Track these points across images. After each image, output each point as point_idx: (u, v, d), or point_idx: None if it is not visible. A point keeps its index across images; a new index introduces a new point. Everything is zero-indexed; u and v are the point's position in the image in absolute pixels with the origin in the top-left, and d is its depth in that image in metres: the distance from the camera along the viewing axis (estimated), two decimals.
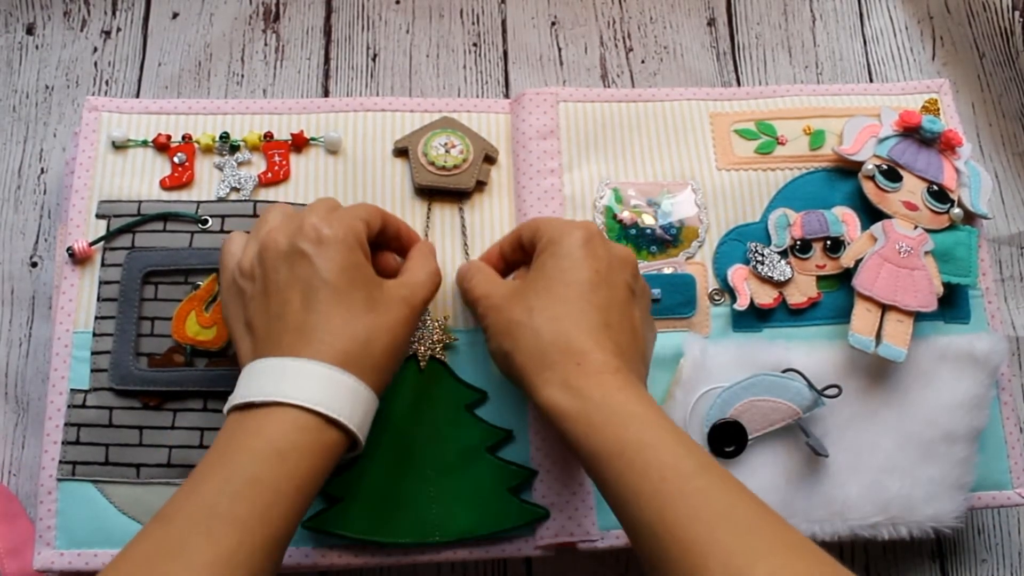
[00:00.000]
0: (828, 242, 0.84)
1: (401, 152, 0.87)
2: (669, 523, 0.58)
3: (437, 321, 0.82)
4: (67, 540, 0.77)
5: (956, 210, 0.85)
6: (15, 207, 0.95)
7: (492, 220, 0.86)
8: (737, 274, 0.84)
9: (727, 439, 0.79)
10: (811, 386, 0.79)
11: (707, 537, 0.56)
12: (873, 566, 0.90)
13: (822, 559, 0.57)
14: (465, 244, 0.85)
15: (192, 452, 0.78)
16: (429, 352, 0.81)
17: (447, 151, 0.85)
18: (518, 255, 0.79)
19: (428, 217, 0.86)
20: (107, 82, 1.00)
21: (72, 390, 0.79)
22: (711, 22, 1.08)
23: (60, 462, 0.77)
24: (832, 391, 0.79)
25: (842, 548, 0.91)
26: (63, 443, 0.78)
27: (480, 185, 0.87)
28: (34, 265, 0.93)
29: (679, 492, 0.59)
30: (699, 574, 0.55)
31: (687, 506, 0.58)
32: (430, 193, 0.86)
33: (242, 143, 0.86)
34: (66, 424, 0.78)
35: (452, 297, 0.84)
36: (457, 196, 0.86)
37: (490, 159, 0.87)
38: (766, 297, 0.83)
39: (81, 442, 0.78)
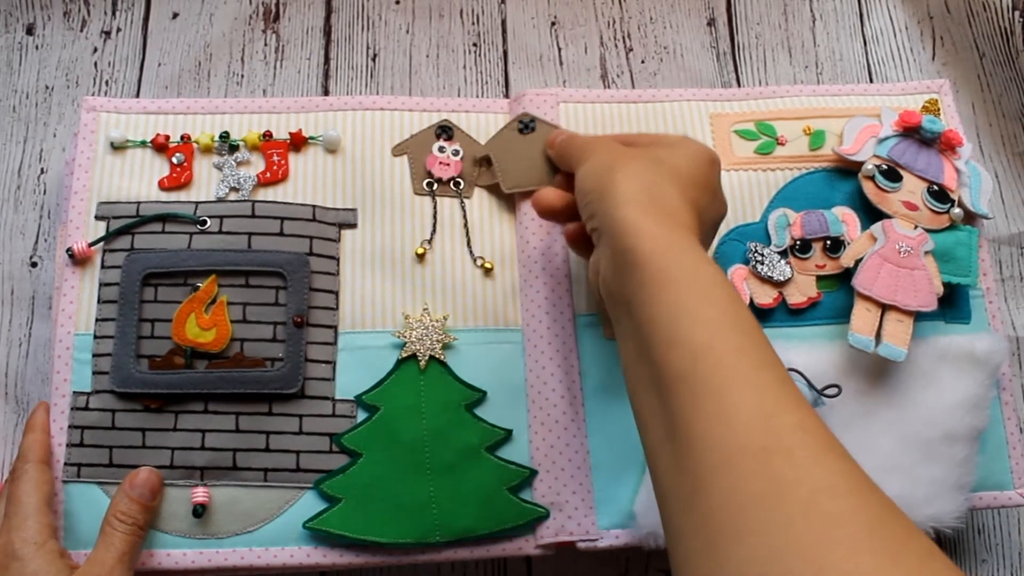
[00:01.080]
0: (828, 242, 0.84)
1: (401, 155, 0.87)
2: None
3: (436, 321, 0.82)
4: (73, 540, 0.77)
5: (956, 210, 0.85)
6: (15, 207, 0.95)
7: (493, 220, 0.87)
8: (737, 274, 0.84)
9: None
10: (811, 386, 0.79)
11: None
12: None
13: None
14: (468, 240, 0.85)
15: (193, 454, 0.78)
16: (429, 352, 0.81)
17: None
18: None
19: (435, 215, 0.86)
20: (107, 82, 1.01)
21: (75, 392, 0.79)
22: (711, 22, 1.08)
23: (65, 464, 0.78)
24: (832, 391, 0.79)
25: None
26: (67, 445, 0.78)
27: (480, 187, 0.87)
28: (34, 265, 0.93)
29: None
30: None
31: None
32: (432, 195, 0.86)
33: (241, 143, 0.86)
34: (70, 426, 0.78)
35: (452, 296, 0.84)
36: (458, 197, 0.87)
37: (489, 161, 0.87)
38: (766, 297, 0.83)
39: (85, 444, 0.78)
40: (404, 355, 0.81)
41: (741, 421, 0.52)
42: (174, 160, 0.85)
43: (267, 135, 0.86)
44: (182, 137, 0.86)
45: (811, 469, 0.49)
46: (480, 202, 0.87)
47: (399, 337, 0.81)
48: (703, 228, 0.68)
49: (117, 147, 0.85)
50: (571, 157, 0.77)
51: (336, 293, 0.83)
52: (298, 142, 0.86)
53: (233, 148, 0.86)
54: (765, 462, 0.50)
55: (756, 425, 0.51)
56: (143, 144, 0.86)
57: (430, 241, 0.85)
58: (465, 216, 0.86)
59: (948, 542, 0.92)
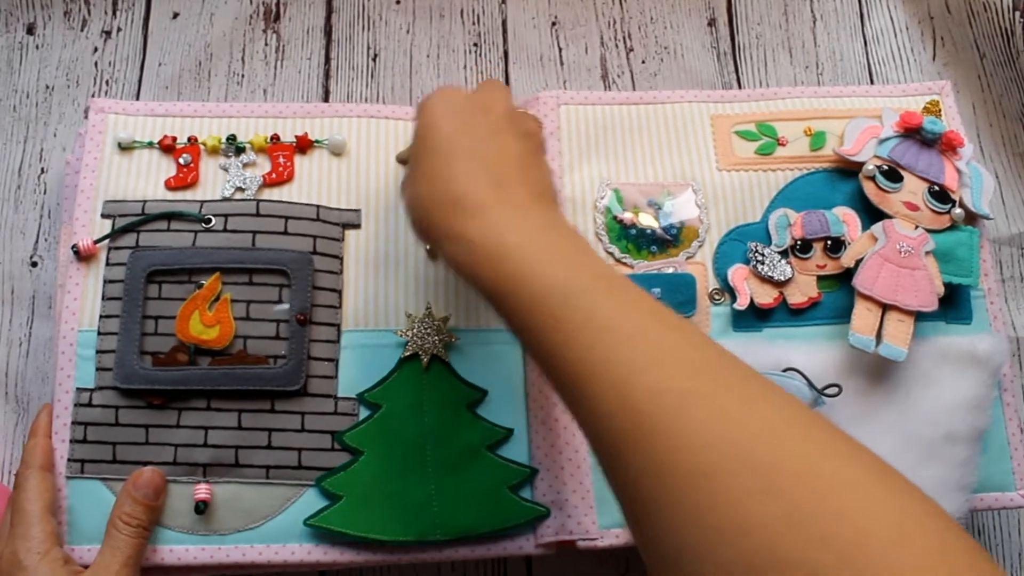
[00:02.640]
0: (829, 242, 0.84)
1: (405, 162, 0.87)
2: (556, 353, 0.56)
3: (438, 320, 0.82)
4: (78, 536, 0.77)
5: (957, 210, 0.85)
6: (15, 207, 0.95)
7: None
8: (737, 274, 0.84)
9: None
10: (811, 385, 0.79)
11: (586, 356, 0.55)
12: None
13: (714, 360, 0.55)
14: None
15: (196, 451, 0.78)
16: (431, 351, 0.81)
17: None
18: None
19: None
20: (107, 82, 1.01)
21: (78, 389, 0.79)
22: (711, 22, 1.08)
23: (69, 460, 0.78)
24: (832, 390, 0.79)
25: None
26: (71, 441, 0.78)
27: None
28: (34, 265, 0.93)
29: (558, 320, 0.57)
30: (586, 398, 0.54)
31: (569, 331, 0.56)
32: None
33: (248, 145, 0.86)
34: (73, 423, 0.78)
35: (453, 295, 0.84)
36: None
37: None
38: (766, 297, 0.83)
39: (89, 440, 0.78)
40: (406, 354, 0.81)
41: None
42: (181, 161, 0.85)
43: (275, 138, 0.87)
44: (189, 139, 0.86)
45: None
46: None
47: (401, 336, 0.82)
48: (502, 175, 0.67)
49: (124, 148, 0.86)
50: None
51: (339, 292, 0.83)
52: (304, 145, 0.87)
53: (240, 150, 0.86)
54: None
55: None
56: (150, 145, 0.86)
57: None
58: None
59: None
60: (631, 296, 0.58)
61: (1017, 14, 0.99)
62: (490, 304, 0.62)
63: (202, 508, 0.77)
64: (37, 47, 1.01)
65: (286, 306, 0.81)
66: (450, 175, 0.66)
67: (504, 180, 0.66)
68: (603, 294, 0.58)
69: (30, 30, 1.02)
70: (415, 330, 0.82)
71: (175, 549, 0.77)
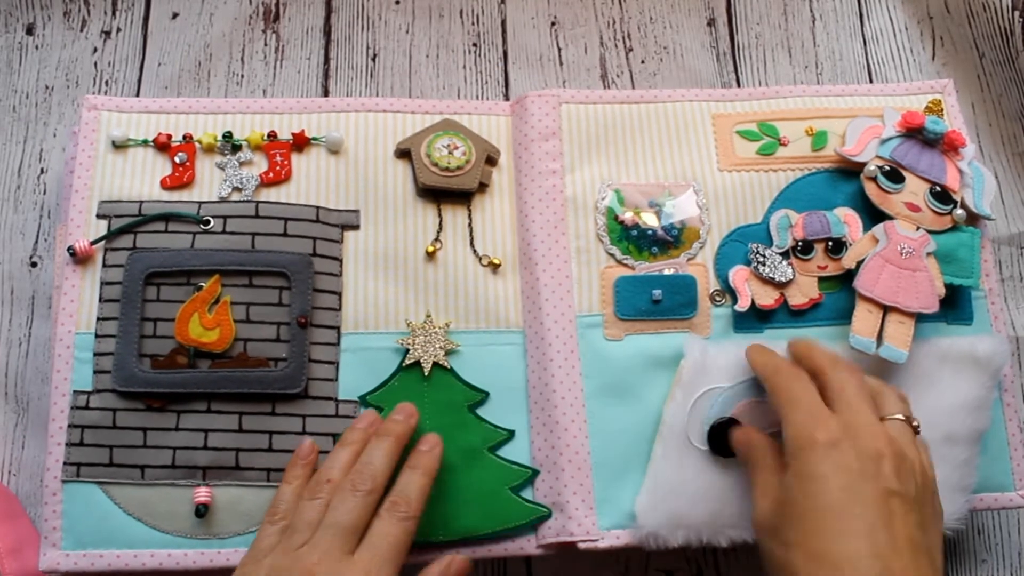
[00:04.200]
0: (830, 243, 0.84)
1: (403, 154, 0.87)
2: None
3: (439, 327, 0.82)
4: (73, 541, 0.77)
5: (959, 211, 0.85)
6: (15, 207, 0.95)
7: (495, 221, 0.87)
8: (738, 275, 0.84)
9: (727, 438, 0.79)
10: None
11: None
12: None
13: None
14: (473, 245, 0.86)
15: (196, 454, 0.78)
16: (432, 359, 0.81)
17: (450, 152, 0.86)
18: None
19: (440, 217, 0.86)
20: (107, 82, 1.00)
21: (75, 391, 0.79)
22: (711, 22, 1.08)
23: (64, 463, 0.78)
24: None
25: None
26: (67, 445, 0.78)
27: (483, 187, 0.87)
28: (34, 265, 0.93)
29: None
30: None
31: None
32: (435, 195, 0.86)
33: (244, 143, 0.86)
34: (70, 426, 0.78)
35: (454, 298, 0.84)
36: (460, 197, 0.87)
37: (492, 160, 0.88)
38: (767, 298, 0.83)
39: (85, 444, 0.78)
40: (408, 362, 0.81)
41: None
42: (176, 159, 0.85)
43: (271, 135, 0.86)
44: (184, 136, 0.86)
45: None
46: (482, 204, 0.87)
47: (402, 344, 0.82)
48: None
49: (119, 146, 0.85)
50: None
51: (339, 294, 0.83)
52: (301, 143, 0.86)
53: (236, 148, 0.86)
54: None
55: None
56: (145, 143, 0.86)
57: (437, 238, 0.85)
58: (470, 217, 0.86)
59: (948, 542, 0.92)
60: None
61: (1016, 14, 0.99)
62: None
63: (202, 511, 0.76)
64: (37, 47, 1.01)
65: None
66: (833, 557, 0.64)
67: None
68: None
69: (30, 30, 1.02)
70: (416, 339, 0.82)
71: (173, 553, 0.77)
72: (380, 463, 0.72)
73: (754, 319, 0.84)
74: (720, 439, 0.79)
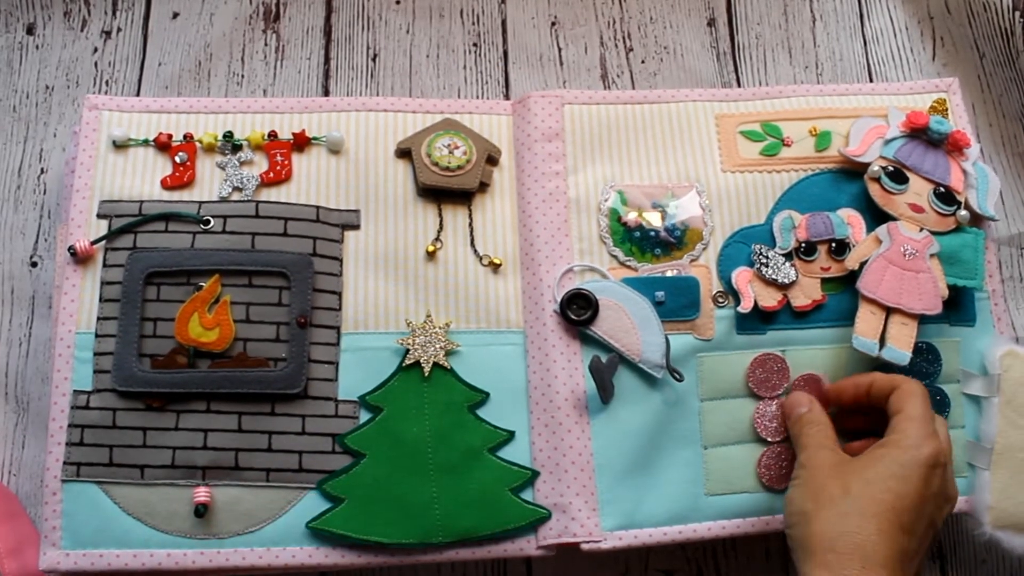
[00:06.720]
0: (833, 244, 0.84)
1: (404, 153, 0.87)
2: None
3: (439, 327, 0.82)
4: (72, 541, 0.77)
5: (963, 212, 0.85)
6: (15, 207, 0.95)
7: (495, 221, 0.87)
8: (741, 276, 0.84)
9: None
10: (671, 368, 0.82)
11: None
12: None
13: None
14: (473, 244, 0.85)
15: (195, 453, 0.78)
16: (432, 359, 0.81)
17: (451, 152, 0.86)
18: (859, 401, 0.80)
19: (440, 216, 0.86)
20: (107, 82, 1.00)
21: (75, 391, 0.79)
22: (711, 22, 1.08)
23: (64, 463, 0.78)
24: (677, 376, 0.82)
25: None
26: (67, 444, 0.78)
27: (483, 186, 0.87)
28: (34, 265, 0.93)
29: None
30: None
31: None
32: (436, 195, 0.86)
33: (245, 142, 0.86)
34: (70, 425, 0.78)
35: (454, 298, 0.84)
36: (461, 197, 0.86)
37: (492, 160, 0.88)
38: (770, 299, 0.83)
39: (85, 443, 0.78)
40: (408, 363, 0.81)
41: None
42: (177, 159, 0.85)
43: (272, 135, 0.86)
44: (185, 136, 0.86)
45: None
46: (483, 204, 0.87)
47: (402, 344, 0.81)
48: (909, 552, 0.69)
49: (119, 146, 0.85)
50: (795, 439, 0.79)
51: (339, 294, 0.83)
52: (302, 142, 0.86)
53: (236, 148, 0.86)
54: None
55: None
56: (145, 143, 0.86)
57: (438, 238, 0.85)
58: (471, 216, 0.86)
59: (948, 542, 0.92)
60: None
61: (1017, 14, 0.99)
62: None
63: (202, 511, 0.76)
64: (37, 47, 1.01)
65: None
66: (881, 531, 0.68)
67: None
68: None
69: (30, 30, 1.01)
70: (416, 339, 0.82)
71: (173, 553, 0.77)
72: None
73: (757, 321, 0.84)
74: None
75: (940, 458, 0.72)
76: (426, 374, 0.81)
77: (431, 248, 0.84)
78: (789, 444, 0.81)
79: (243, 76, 1.01)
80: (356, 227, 0.85)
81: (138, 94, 1.00)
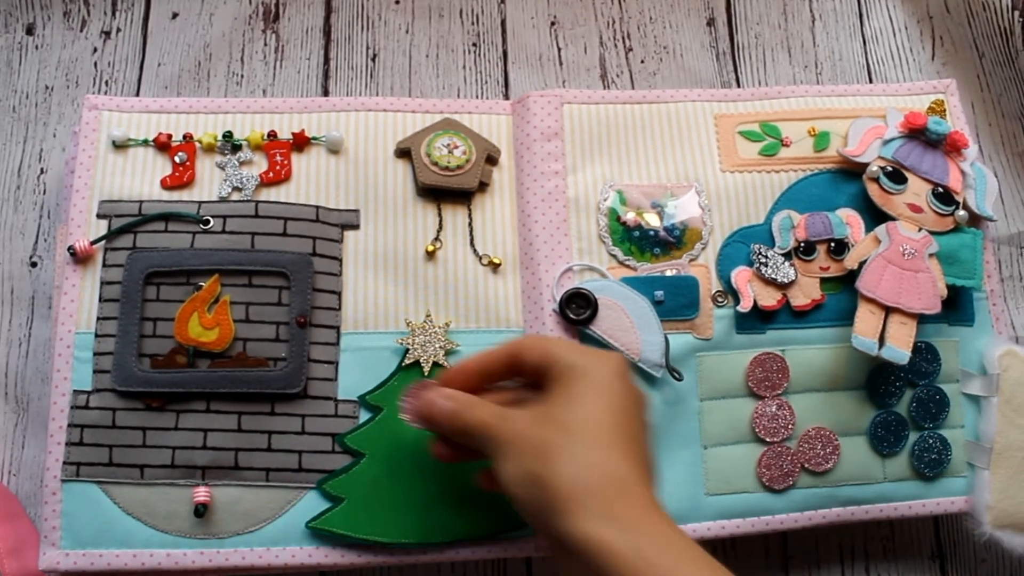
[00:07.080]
0: (832, 244, 0.84)
1: (403, 153, 0.87)
2: None
3: (438, 327, 0.82)
4: (72, 540, 0.77)
5: (961, 212, 0.85)
6: (15, 207, 0.95)
7: (495, 220, 0.87)
8: (740, 276, 0.83)
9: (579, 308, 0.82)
10: (670, 368, 0.82)
11: None
12: (873, 566, 0.91)
13: None
14: (473, 244, 0.85)
15: (195, 453, 0.78)
16: (432, 359, 0.81)
17: (450, 152, 0.86)
18: (505, 376, 0.74)
19: (440, 216, 0.86)
20: (107, 82, 1.00)
21: (75, 391, 0.79)
22: (711, 22, 1.08)
23: (64, 463, 0.77)
24: (676, 375, 0.82)
25: (842, 549, 0.91)
26: (67, 444, 0.78)
27: (483, 186, 0.87)
28: (34, 265, 0.93)
29: None
30: None
31: None
32: (435, 194, 0.86)
33: (244, 142, 0.86)
34: (69, 425, 0.78)
35: (454, 297, 0.84)
36: (460, 196, 0.86)
37: (492, 160, 0.88)
38: (770, 299, 0.83)
39: (85, 443, 0.78)
40: (408, 362, 0.81)
41: None
42: (177, 159, 0.85)
43: (271, 135, 0.86)
44: (185, 136, 0.86)
45: None
46: (482, 203, 0.87)
47: (402, 344, 0.81)
48: (648, 460, 0.66)
49: (119, 146, 0.85)
50: (472, 444, 0.70)
51: (339, 294, 0.83)
52: (301, 142, 0.86)
53: (236, 148, 0.86)
54: None
55: None
56: (145, 143, 0.86)
57: (437, 238, 0.85)
58: (470, 216, 0.86)
59: (948, 542, 0.92)
60: None
61: (1016, 14, 0.99)
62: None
63: (201, 511, 0.76)
64: (36, 47, 1.01)
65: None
66: (621, 452, 0.64)
67: (653, 484, 0.66)
68: None
69: (30, 30, 1.01)
70: (416, 338, 0.82)
71: (172, 553, 0.77)
72: None
73: (756, 320, 0.84)
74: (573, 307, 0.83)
75: (621, 361, 0.69)
76: (426, 373, 0.81)
77: (431, 248, 0.84)
78: (789, 444, 0.81)
79: (243, 76, 1.02)
80: (356, 227, 0.85)
81: (138, 94, 1.00)
